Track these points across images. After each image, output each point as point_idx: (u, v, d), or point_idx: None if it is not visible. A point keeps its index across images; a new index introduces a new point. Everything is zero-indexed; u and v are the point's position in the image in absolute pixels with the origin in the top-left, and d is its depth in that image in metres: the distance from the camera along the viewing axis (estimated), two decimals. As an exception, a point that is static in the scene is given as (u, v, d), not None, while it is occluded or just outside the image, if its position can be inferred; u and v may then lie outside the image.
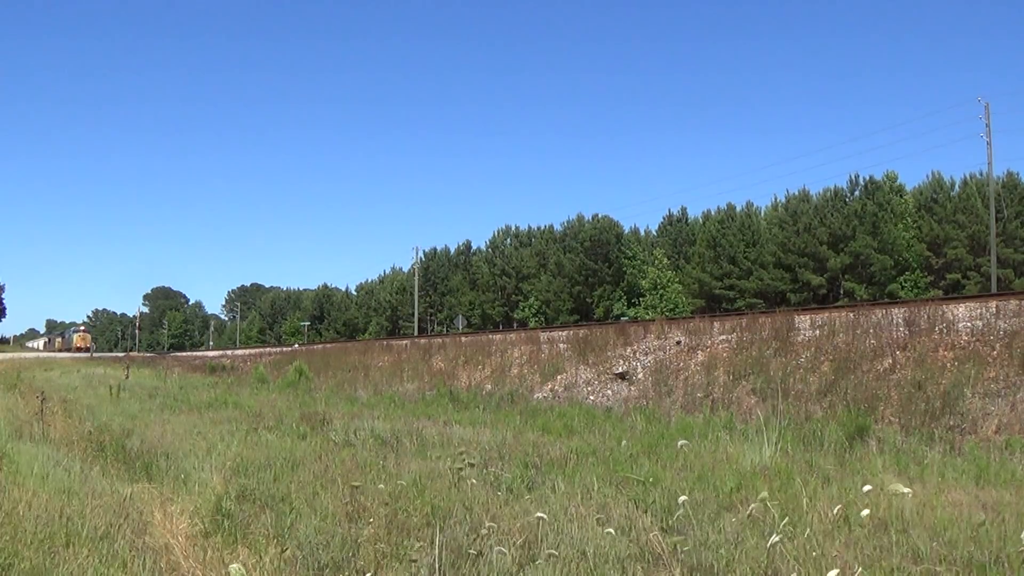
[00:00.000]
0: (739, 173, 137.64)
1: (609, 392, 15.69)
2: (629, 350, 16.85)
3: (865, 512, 3.97)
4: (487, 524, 5.03)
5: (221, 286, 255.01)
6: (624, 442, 9.52)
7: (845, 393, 11.56)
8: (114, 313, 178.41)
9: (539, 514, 4.97)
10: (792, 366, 13.07)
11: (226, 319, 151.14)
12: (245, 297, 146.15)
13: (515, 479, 7.10)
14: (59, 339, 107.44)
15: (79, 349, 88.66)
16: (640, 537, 5.03)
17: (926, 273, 53.12)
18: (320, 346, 40.46)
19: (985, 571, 4.49)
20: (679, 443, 8.02)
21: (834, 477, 7.20)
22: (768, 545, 4.39)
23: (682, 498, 4.93)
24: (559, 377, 17.31)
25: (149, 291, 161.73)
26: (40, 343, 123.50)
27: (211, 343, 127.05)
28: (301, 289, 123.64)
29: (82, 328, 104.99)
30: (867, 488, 4.43)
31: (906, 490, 3.95)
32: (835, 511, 4.53)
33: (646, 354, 16.31)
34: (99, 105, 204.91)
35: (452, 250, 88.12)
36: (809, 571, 4.25)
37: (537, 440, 10.21)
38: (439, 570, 4.41)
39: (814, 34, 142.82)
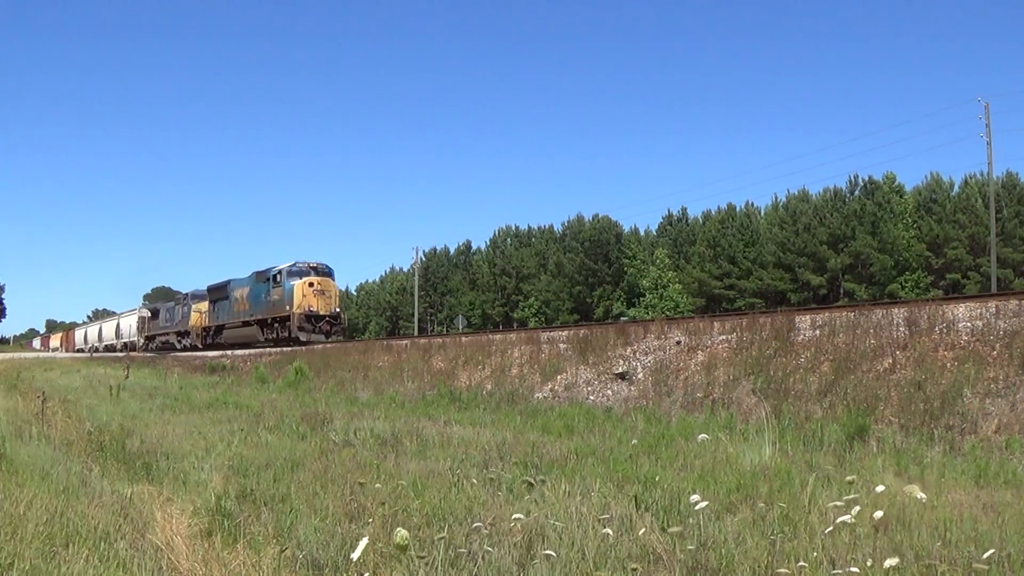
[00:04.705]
0: (739, 173, 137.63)
1: (609, 392, 15.69)
2: (629, 350, 16.85)
3: (879, 513, 3.96)
4: (487, 524, 5.03)
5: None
6: (634, 440, 9.52)
7: (845, 393, 11.55)
8: (114, 313, 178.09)
9: (529, 515, 4.97)
10: (792, 366, 13.06)
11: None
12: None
13: (515, 479, 7.10)
14: (181, 309, 46.61)
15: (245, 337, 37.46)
16: (640, 537, 5.03)
17: (926, 273, 53.17)
18: (320, 346, 40.40)
19: (986, 571, 4.49)
20: (699, 436, 8.03)
21: (834, 477, 7.21)
22: (768, 545, 4.39)
23: (695, 497, 4.93)
24: (559, 377, 17.30)
25: (149, 291, 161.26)
26: (103, 330, 67.52)
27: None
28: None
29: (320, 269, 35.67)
30: (880, 488, 4.45)
31: (921, 495, 3.92)
32: (835, 510, 4.53)
33: (646, 354, 16.30)
34: (99, 105, 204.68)
35: (452, 250, 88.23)
36: (810, 571, 4.25)
37: (537, 440, 10.21)
38: (439, 570, 4.40)
39: (814, 34, 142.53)
